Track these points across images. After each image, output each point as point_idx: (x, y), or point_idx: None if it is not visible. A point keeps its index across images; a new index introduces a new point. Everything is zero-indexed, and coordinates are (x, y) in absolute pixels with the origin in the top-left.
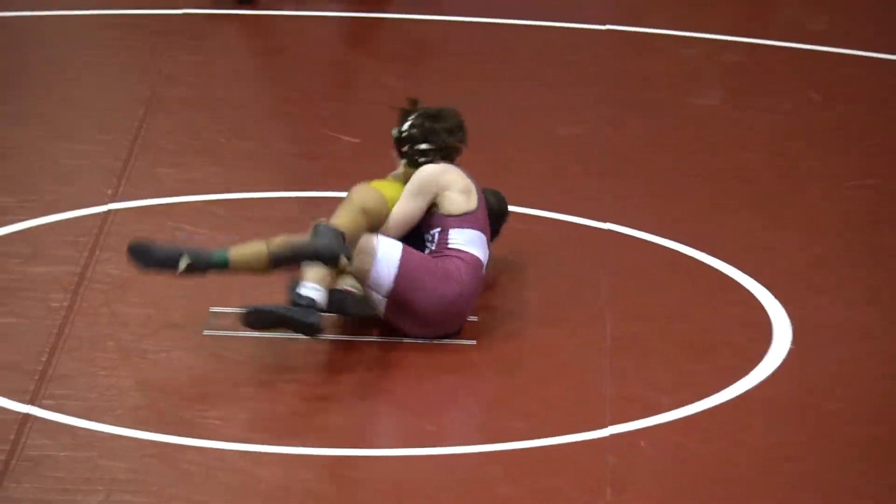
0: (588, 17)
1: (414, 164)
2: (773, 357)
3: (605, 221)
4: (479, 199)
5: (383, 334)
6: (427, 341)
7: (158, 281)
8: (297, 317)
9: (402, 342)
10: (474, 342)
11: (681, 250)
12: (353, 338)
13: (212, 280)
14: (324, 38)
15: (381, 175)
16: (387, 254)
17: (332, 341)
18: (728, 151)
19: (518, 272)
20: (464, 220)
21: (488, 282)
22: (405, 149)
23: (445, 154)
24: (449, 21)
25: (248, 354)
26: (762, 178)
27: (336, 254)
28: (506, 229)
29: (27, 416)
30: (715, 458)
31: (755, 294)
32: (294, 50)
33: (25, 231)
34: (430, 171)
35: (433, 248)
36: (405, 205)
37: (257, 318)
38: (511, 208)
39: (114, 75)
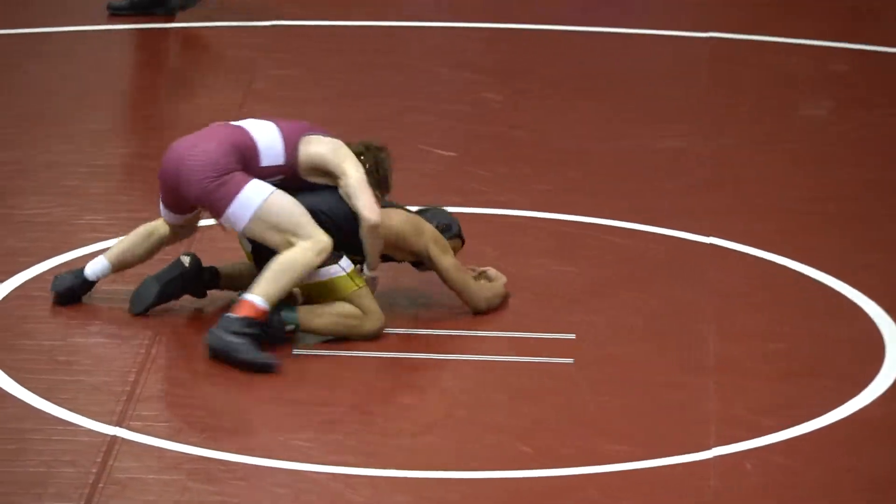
0: (688, 25)
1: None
2: (884, 377)
3: (707, 235)
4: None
5: (477, 353)
6: (523, 359)
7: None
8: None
9: (497, 361)
10: (572, 361)
11: (787, 265)
12: (446, 356)
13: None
14: (417, 50)
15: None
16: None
17: (423, 360)
18: (837, 163)
19: (617, 288)
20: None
21: (586, 297)
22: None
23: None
24: (544, 30)
25: (337, 375)
26: (873, 191)
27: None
28: (605, 244)
29: (115, 438)
30: (822, 482)
31: (866, 311)
32: (386, 62)
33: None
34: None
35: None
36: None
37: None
38: (609, 223)
39: (204, 91)
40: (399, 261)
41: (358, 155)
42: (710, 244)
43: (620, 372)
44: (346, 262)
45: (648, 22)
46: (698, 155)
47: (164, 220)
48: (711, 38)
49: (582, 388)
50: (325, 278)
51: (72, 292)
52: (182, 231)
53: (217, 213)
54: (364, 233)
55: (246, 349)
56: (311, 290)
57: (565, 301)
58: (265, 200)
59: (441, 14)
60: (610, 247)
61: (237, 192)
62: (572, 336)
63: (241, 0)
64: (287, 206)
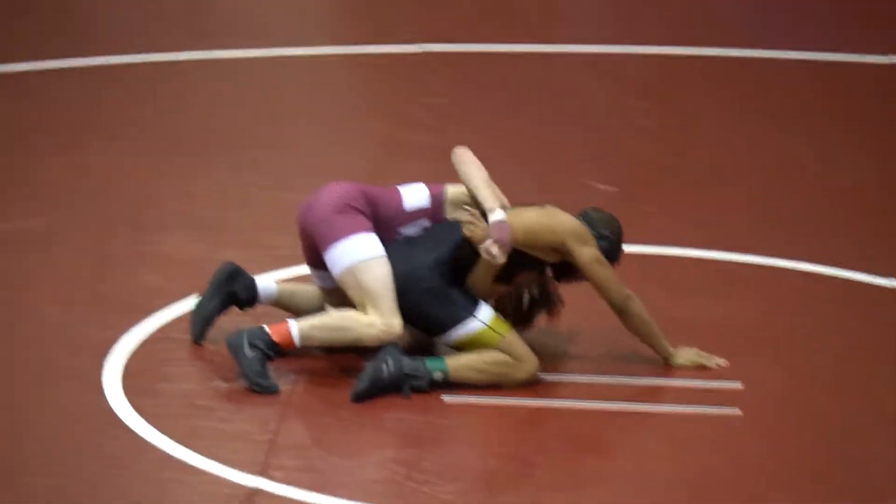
0: (868, 47)
1: None
2: None
3: (887, 277)
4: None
5: (636, 400)
6: (685, 408)
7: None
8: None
9: (655, 412)
10: (738, 411)
11: None
12: (602, 404)
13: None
14: (570, 77)
15: None
16: None
17: (579, 408)
18: None
19: (791, 332)
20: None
21: (755, 343)
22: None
23: None
24: (700, 55)
25: (490, 424)
26: None
27: None
28: (778, 285)
29: (256, 490)
30: None
31: None
32: (541, 89)
33: None
34: None
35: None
36: None
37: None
38: (783, 263)
39: (350, 118)
40: (539, 267)
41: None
42: (892, 287)
43: (792, 422)
44: (485, 314)
45: (819, 44)
46: (882, 191)
47: (315, 285)
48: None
49: (747, 436)
50: (469, 334)
51: (233, 296)
52: (330, 299)
53: (324, 243)
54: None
55: (252, 366)
56: (459, 347)
57: (735, 347)
58: (368, 260)
59: (598, 37)
60: (783, 288)
61: (351, 233)
62: (739, 385)
63: (389, 23)
64: (381, 277)
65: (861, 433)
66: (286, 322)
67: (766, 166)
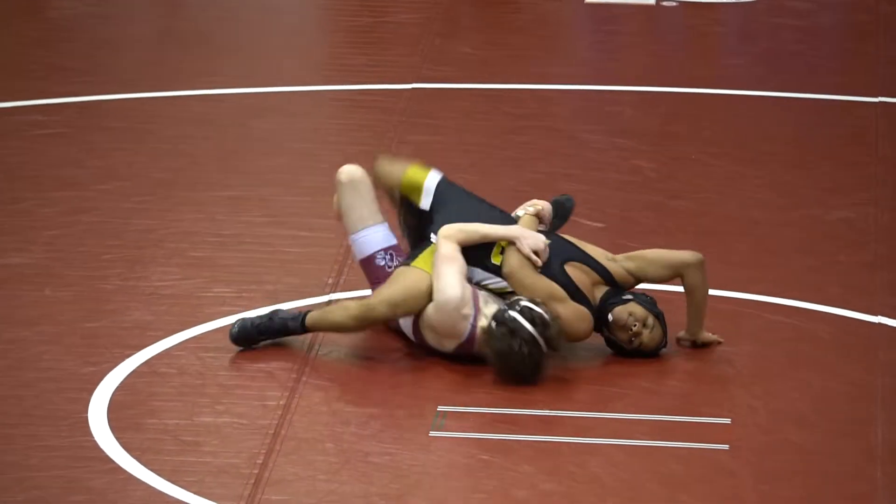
0: (856, 89)
1: None
2: None
3: (875, 315)
4: None
5: (626, 437)
6: (674, 444)
7: (380, 378)
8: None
9: (646, 447)
10: (726, 447)
11: None
12: (593, 440)
13: (437, 376)
14: (567, 115)
15: None
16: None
17: (570, 444)
18: None
19: (779, 370)
20: None
21: (744, 379)
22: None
23: None
24: (700, 94)
25: (478, 457)
26: None
27: None
28: (767, 322)
29: None
30: None
31: None
32: (535, 128)
33: None
34: None
35: None
36: None
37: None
38: (773, 300)
39: (339, 156)
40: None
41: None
42: (879, 324)
43: (781, 460)
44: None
45: (810, 86)
46: (874, 227)
47: None
48: (882, 102)
49: (739, 476)
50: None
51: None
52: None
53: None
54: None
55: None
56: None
57: (723, 383)
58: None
59: (592, 77)
60: (772, 325)
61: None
62: (727, 420)
63: (379, 62)
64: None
65: (847, 473)
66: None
67: (758, 205)
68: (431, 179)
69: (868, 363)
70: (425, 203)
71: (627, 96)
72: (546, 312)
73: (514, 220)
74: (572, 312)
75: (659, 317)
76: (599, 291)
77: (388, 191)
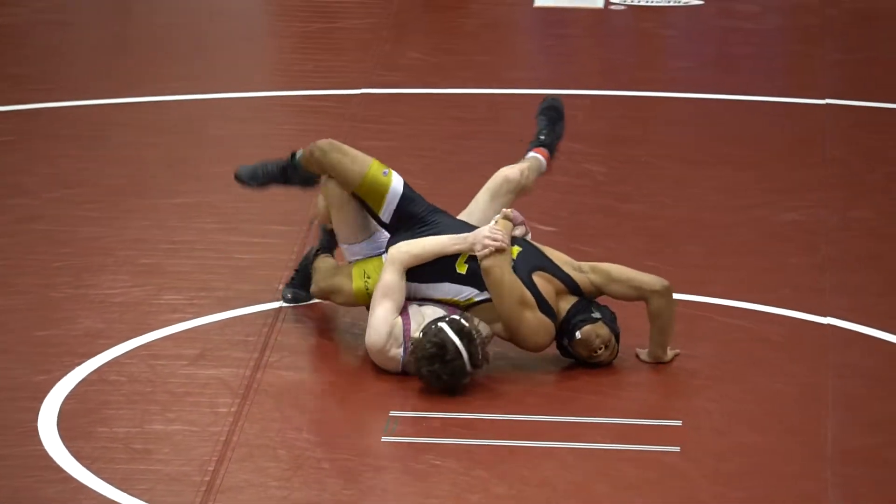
0: (803, 91)
1: None
2: None
3: (825, 316)
4: None
5: (579, 440)
6: (626, 447)
7: (334, 384)
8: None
9: (600, 449)
10: (678, 449)
11: None
12: (546, 444)
13: (389, 381)
14: (518, 120)
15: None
16: None
17: (523, 447)
18: None
19: (731, 372)
20: None
21: (697, 382)
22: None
23: None
24: (650, 97)
25: (431, 463)
26: None
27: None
28: (719, 325)
29: None
30: None
31: None
32: (486, 132)
33: (193, 330)
34: None
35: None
36: None
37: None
38: (725, 302)
39: None
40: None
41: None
42: (829, 325)
43: (733, 461)
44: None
45: (757, 88)
46: (823, 229)
47: None
48: (828, 104)
49: (691, 478)
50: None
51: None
52: None
53: None
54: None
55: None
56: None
57: (675, 386)
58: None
59: (541, 81)
60: (724, 328)
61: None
62: (679, 423)
63: (329, 67)
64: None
65: (802, 474)
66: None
67: (709, 207)
68: (395, 191)
69: (818, 365)
70: (385, 215)
71: (578, 100)
72: (475, 329)
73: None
74: (537, 322)
75: (617, 335)
76: (565, 302)
77: (336, 187)
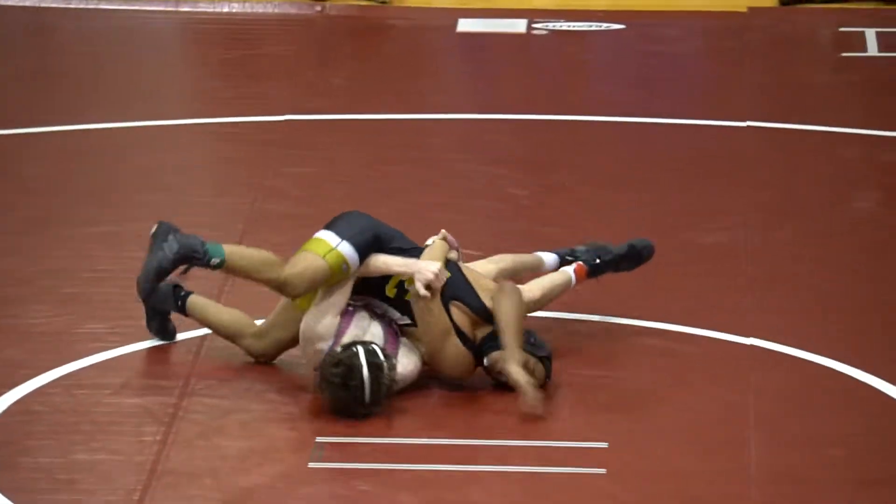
0: (725, 114)
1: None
2: None
3: (747, 336)
4: None
5: (504, 463)
6: (552, 470)
7: (258, 410)
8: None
9: (522, 472)
10: (604, 471)
11: (836, 368)
12: (470, 467)
13: (316, 407)
14: (440, 145)
15: None
16: None
17: (447, 472)
18: (888, 259)
19: (652, 392)
20: None
21: (621, 403)
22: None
23: None
24: (576, 121)
25: (358, 489)
26: None
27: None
28: (643, 346)
29: None
30: None
31: None
32: (409, 157)
33: (116, 359)
34: None
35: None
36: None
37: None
38: (648, 324)
39: (213, 190)
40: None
41: None
42: (751, 345)
43: (658, 482)
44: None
45: (680, 111)
46: (745, 250)
47: None
48: (750, 126)
49: (616, 501)
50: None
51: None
52: None
53: None
54: None
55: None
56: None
57: (600, 407)
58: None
59: (465, 106)
60: (648, 349)
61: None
62: (605, 445)
63: (251, 94)
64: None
65: (726, 493)
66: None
67: (632, 230)
68: (346, 250)
69: (741, 385)
70: (353, 273)
71: (501, 124)
72: (389, 367)
73: (420, 251)
74: (456, 352)
75: (543, 359)
76: (481, 331)
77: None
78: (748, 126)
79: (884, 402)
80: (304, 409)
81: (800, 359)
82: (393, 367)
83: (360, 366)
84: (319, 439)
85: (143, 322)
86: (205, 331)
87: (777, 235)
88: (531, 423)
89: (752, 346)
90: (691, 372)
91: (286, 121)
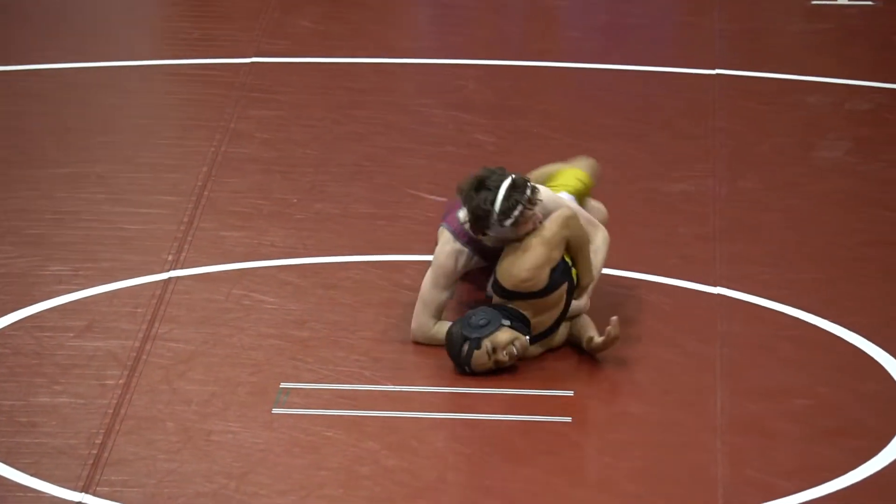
0: (694, 62)
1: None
2: None
3: (714, 286)
4: None
5: (470, 411)
6: (518, 418)
7: (222, 355)
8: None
9: (491, 419)
10: (569, 419)
11: (803, 318)
12: (436, 415)
13: (280, 353)
14: (408, 89)
15: None
16: None
17: (413, 419)
18: (856, 209)
19: (622, 341)
20: None
21: (584, 352)
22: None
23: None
24: (540, 67)
25: (322, 434)
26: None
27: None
28: (608, 295)
29: None
30: None
31: (887, 368)
32: (376, 102)
33: (80, 301)
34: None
35: None
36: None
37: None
38: (613, 272)
39: (178, 132)
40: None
41: None
42: (718, 294)
43: (623, 431)
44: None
45: (647, 58)
46: (712, 199)
47: None
48: (720, 74)
49: (582, 449)
50: None
51: None
52: None
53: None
54: None
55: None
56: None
57: (565, 356)
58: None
59: (433, 51)
60: (613, 298)
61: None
62: (570, 393)
63: (217, 35)
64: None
65: (693, 443)
66: None
67: (603, 177)
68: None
69: (707, 334)
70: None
71: (468, 70)
72: (529, 187)
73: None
74: (543, 262)
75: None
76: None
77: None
78: (717, 74)
79: (850, 352)
80: (269, 354)
81: (766, 308)
82: (536, 196)
83: (505, 176)
84: (284, 385)
85: (105, 264)
86: (169, 274)
87: (744, 184)
88: (496, 370)
89: (718, 295)
90: (658, 321)
91: (252, 63)
